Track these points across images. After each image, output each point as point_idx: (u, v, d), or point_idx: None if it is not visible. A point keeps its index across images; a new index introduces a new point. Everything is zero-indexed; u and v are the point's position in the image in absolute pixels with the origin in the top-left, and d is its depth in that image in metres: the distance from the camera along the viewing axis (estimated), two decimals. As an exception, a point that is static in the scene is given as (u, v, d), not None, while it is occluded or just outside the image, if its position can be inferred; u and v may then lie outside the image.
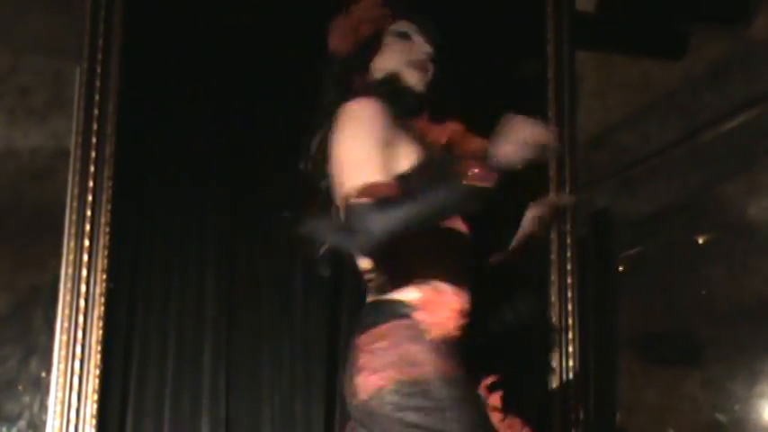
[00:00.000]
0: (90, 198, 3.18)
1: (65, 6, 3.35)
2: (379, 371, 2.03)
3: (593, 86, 3.96)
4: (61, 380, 3.10)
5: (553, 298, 3.55)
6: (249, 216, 3.30)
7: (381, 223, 1.96)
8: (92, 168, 3.20)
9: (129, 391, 3.17)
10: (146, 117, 3.30)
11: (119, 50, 3.29)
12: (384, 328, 2.07)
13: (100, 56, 3.27)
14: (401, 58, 2.30)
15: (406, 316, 2.07)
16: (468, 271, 2.18)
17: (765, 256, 3.89)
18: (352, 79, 2.28)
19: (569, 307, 3.54)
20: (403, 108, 2.23)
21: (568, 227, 3.63)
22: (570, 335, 3.56)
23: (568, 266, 3.58)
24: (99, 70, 3.26)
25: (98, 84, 3.25)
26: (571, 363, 3.53)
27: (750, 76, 3.88)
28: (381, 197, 1.98)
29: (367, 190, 2.00)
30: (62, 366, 3.11)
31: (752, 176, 3.92)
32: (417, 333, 2.05)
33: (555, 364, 3.53)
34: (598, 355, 3.76)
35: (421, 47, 2.32)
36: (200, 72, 3.33)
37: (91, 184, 3.19)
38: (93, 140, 3.22)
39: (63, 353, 3.12)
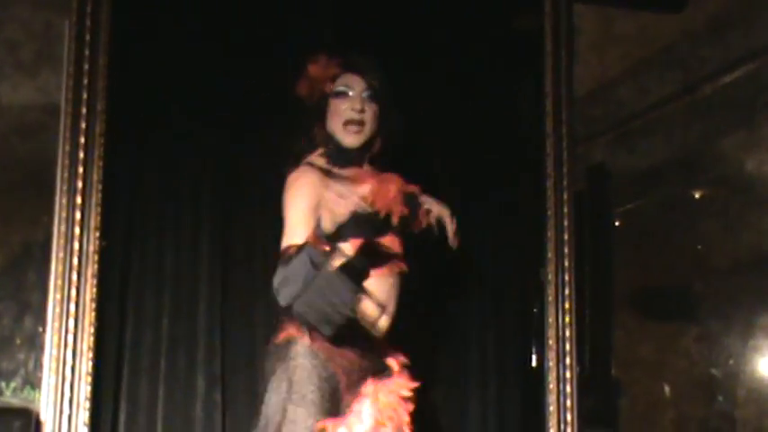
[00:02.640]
0: (81, 154, 3.15)
1: (51, -42, 3.28)
2: None
3: (591, 40, 3.91)
4: (56, 337, 3.09)
5: (550, 254, 3.54)
6: (245, 171, 3.27)
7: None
8: (83, 124, 3.15)
9: (124, 348, 3.16)
10: (137, 71, 3.25)
11: (108, 2, 3.22)
12: None
13: (89, 8, 3.21)
14: (337, 119, 2.77)
15: None
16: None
17: (762, 210, 3.88)
18: (314, 129, 2.80)
19: (566, 263, 3.53)
20: (341, 163, 2.74)
21: (565, 182, 3.61)
22: (567, 291, 3.55)
23: (565, 222, 3.56)
24: (89, 23, 3.20)
25: (88, 37, 3.19)
26: (567, 318, 3.53)
27: (749, 30, 3.83)
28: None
29: (285, 251, 2.56)
30: (56, 324, 3.10)
31: (750, 131, 3.89)
32: None
33: (551, 319, 3.53)
34: (594, 311, 3.76)
35: (354, 104, 2.74)
36: (192, 22, 3.28)
37: (82, 140, 3.15)
38: (84, 95, 3.17)
39: (57, 310, 3.10)
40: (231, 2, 3.30)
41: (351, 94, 2.78)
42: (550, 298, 3.55)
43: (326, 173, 2.72)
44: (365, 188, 2.73)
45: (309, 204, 2.65)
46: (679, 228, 4.14)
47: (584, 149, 4.02)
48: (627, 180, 4.24)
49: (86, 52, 3.18)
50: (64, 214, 3.13)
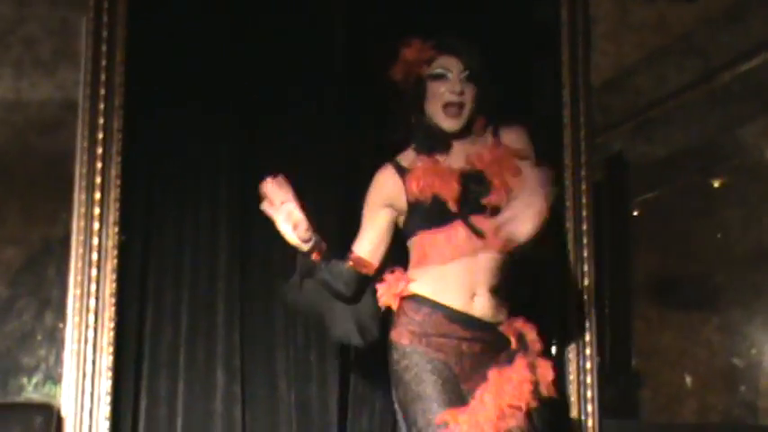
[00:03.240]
0: (100, 150, 3.17)
1: (68, -46, 3.30)
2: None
3: (608, 29, 3.88)
4: (76, 333, 3.12)
5: (569, 245, 3.52)
6: (263, 168, 3.25)
7: None
8: (101, 120, 3.18)
9: (143, 342, 3.18)
10: (154, 66, 3.26)
11: (125, -2, 3.23)
12: None
13: (106, 4, 3.23)
14: (436, 102, 2.72)
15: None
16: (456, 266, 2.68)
17: (782, 199, 3.85)
18: (411, 116, 2.76)
19: (585, 253, 3.52)
20: (435, 150, 2.72)
21: (583, 172, 3.59)
22: (586, 281, 3.54)
23: (584, 213, 3.54)
24: (106, 19, 3.22)
25: (105, 33, 3.21)
26: (587, 309, 3.51)
27: (768, 16, 3.79)
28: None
29: (352, 258, 2.73)
30: (77, 319, 3.12)
31: (770, 119, 3.86)
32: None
33: (572, 308, 3.52)
34: (614, 301, 3.74)
35: (453, 86, 2.69)
36: (209, 17, 3.28)
37: (100, 135, 3.17)
38: (102, 92, 3.19)
39: (77, 306, 3.12)
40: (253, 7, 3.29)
41: (449, 76, 2.73)
42: (570, 289, 3.53)
43: (401, 170, 2.73)
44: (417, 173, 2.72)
45: (377, 205, 2.74)
46: (698, 217, 4.11)
47: (602, 139, 4.00)
48: (646, 169, 4.21)
49: (104, 48, 3.20)
50: (83, 210, 3.16)
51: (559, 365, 3.49)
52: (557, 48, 3.62)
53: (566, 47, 3.62)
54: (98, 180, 3.15)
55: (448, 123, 2.72)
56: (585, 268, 3.53)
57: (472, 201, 2.68)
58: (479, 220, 2.66)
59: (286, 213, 2.61)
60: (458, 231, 2.66)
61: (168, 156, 3.24)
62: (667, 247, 4.12)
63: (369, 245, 2.76)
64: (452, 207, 2.66)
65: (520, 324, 2.77)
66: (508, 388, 2.59)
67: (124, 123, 3.18)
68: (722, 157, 4.01)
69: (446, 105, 2.71)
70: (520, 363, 2.65)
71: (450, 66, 2.73)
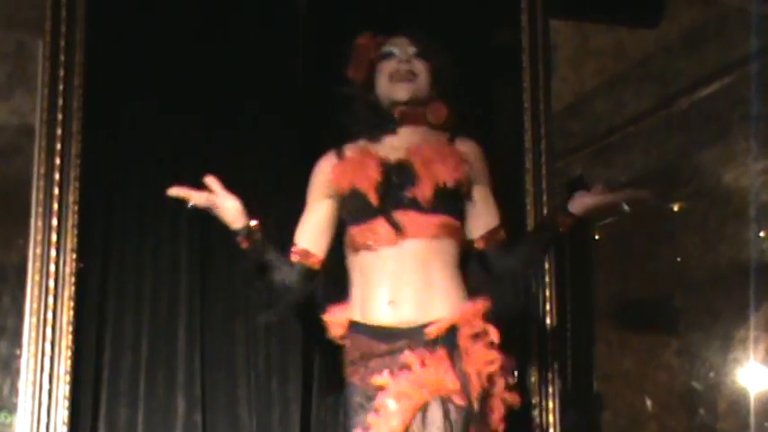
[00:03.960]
0: (57, 176, 3.11)
1: (25, -22, 3.25)
2: None
3: (568, 55, 3.93)
4: (32, 362, 3.05)
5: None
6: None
7: None
8: (58, 145, 3.13)
9: (102, 371, 3.13)
10: (113, 91, 3.22)
11: (83, 22, 3.20)
12: None
13: (63, 28, 3.18)
14: (384, 79, 2.63)
15: None
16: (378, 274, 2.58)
17: (740, 223, 3.89)
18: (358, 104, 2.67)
19: (546, 278, 3.53)
20: (380, 130, 2.62)
21: (544, 197, 3.61)
22: (548, 306, 3.55)
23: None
24: (63, 43, 3.17)
25: (62, 57, 3.16)
26: (549, 335, 3.52)
27: (725, 43, 3.86)
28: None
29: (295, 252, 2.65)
30: (32, 348, 3.05)
31: (727, 144, 3.91)
32: None
33: (533, 334, 3.52)
34: (575, 325, 3.76)
35: (400, 60, 2.61)
36: (167, 41, 3.26)
37: (57, 161, 3.12)
38: (59, 116, 3.14)
39: (33, 334, 3.06)
40: (208, 22, 3.28)
41: (396, 52, 2.66)
42: (531, 314, 3.53)
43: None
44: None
45: (316, 194, 2.67)
46: (658, 241, 4.15)
47: (562, 164, 4.03)
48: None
49: (61, 73, 3.15)
50: (39, 236, 3.10)
51: (522, 390, 3.49)
52: (517, 73, 3.64)
53: (526, 72, 3.65)
54: (55, 206, 3.10)
55: (397, 91, 2.62)
56: (547, 294, 3.54)
57: (395, 194, 2.56)
58: (403, 215, 2.53)
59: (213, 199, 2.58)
60: (378, 227, 2.55)
61: (127, 181, 3.20)
62: (628, 270, 4.15)
63: (310, 235, 2.67)
64: (372, 200, 2.54)
65: (467, 315, 2.55)
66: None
67: (82, 149, 3.13)
68: (681, 182, 4.06)
69: (393, 75, 2.63)
70: (440, 353, 2.48)
71: (399, 44, 2.68)
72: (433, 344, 2.49)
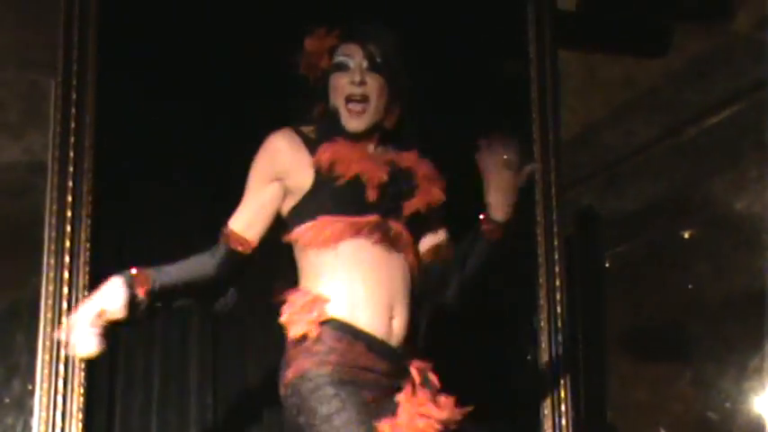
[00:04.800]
0: (69, 213, 3.12)
1: (38, 18, 3.29)
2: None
3: (576, 85, 3.95)
4: (45, 399, 3.05)
5: (542, 301, 3.52)
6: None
7: None
8: (70, 183, 3.14)
9: (114, 408, 3.12)
10: (124, 128, 3.24)
11: (94, 61, 3.23)
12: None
13: (75, 67, 3.21)
14: (338, 96, 2.40)
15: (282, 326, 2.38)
16: (368, 278, 2.31)
17: (752, 251, 3.88)
18: (312, 110, 2.44)
19: (558, 309, 3.52)
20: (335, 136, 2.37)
21: (555, 228, 3.61)
22: (560, 337, 3.54)
23: (556, 269, 3.55)
24: (74, 82, 3.20)
25: (74, 96, 3.19)
26: (561, 366, 3.51)
27: (733, 72, 3.86)
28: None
29: (225, 234, 2.42)
30: (45, 385, 3.06)
31: (738, 172, 3.91)
32: (291, 339, 2.33)
33: (544, 366, 3.51)
34: (587, 356, 3.75)
35: (353, 76, 2.37)
36: (178, 81, 3.28)
37: (69, 198, 3.13)
38: (71, 154, 3.16)
39: (46, 372, 3.06)
40: (219, 61, 3.30)
41: (351, 64, 2.39)
42: (543, 345, 3.52)
43: (307, 139, 2.38)
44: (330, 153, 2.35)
45: (265, 175, 2.39)
46: (670, 270, 4.14)
47: (572, 194, 4.03)
48: (616, 223, 4.25)
49: (73, 111, 3.18)
50: (52, 274, 3.11)
51: (535, 422, 3.48)
52: (526, 105, 3.66)
53: (535, 104, 3.66)
54: (67, 244, 3.11)
55: (352, 124, 2.38)
56: (558, 324, 3.53)
57: (390, 199, 2.36)
58: (393, 223, 2.34)
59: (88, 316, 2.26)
60: (373, 224, 2.31)
61: (138, 219, 3.22)
62: (640, 299, 4.14)
63: (246, 219, 2.40)
64: (371, 195, 2.31)
65: (420, 363, 2.38)
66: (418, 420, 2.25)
67: (94, 186, 3.15)
68: (691, 211, 4.06)
69: (348, 99, 2.37)
70: (423, 396, 2.31)
71: (353, 53, 2.39)
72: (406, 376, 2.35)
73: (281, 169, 2.38)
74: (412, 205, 2.38)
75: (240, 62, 3.31)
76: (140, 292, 2.32)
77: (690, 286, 4.07)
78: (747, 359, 3.78)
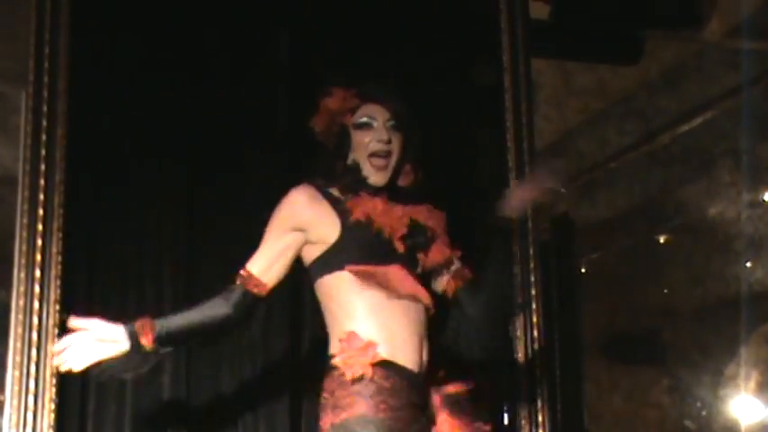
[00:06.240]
0: (40, 227, 3.08)
1: (7, 29, 3.25)
2: (322, 417, 2.47)
3: (550, 94, 3.95)
4: (14, 416, 3.00)
5: (517, 309, 3.51)
6: (206, 242, 3.22)
7: None
8: (41, 196, 3.09)
9: (86, 425, 3.08)
10: (95, 142, 3.20)
11: (65, 72, 3.18)
12: (326, 382, 2.50)
13: (46, 79, 3.16)
14: (362, 152, 2.60)
15: (333, 366, 2.49)
16: (398, 318, 2.52)
17: (726, 257, 3.91)
18: (334, 164, 2.62)
19: (534, 319, 3.51)
20: (361, 191, 2.58)
21: (530, 237, 3.60)
22: (536, 344, 3.53)
23: (532, 278, 3.54)
24: (45, 94, 3.15)
25: (45, 108, 3.14)
26: (537, 374, 3.50)
27: (705, 79, 3.90)
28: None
29: (243, 276, 2.55)
30: (15, 402, 3.01)
31: (711, 178, 3.94)
32: (342, 379, 2.44)
33: (521, 374, 3.50)
34: (564, 364, 3.74)
35: (380, 134, 2.57)
36: (149, 93, 3.25)
37: (41, 212, 3.08)
38: (42, 167, 3.11)
39: (16, 388, 3.01)
40: (192, 73, 3.28)
41: (374, 125, 2.59)
42: (520, 353, 3.51)
43: (327, 194, 2.59)
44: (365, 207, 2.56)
45: (285, 225, 2.55)
46: (644, 276, 4.16)
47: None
48: (591, 230, 4.26)
49: (44, 123, 3.13)
50: (22, 288, 3.06)
51: (512, 430, 3.47)
52: (500, 114, 3.65)
53: (509, 112, 3.65)
54: (38, 257, 3.06)
55: (375, 177, 2.59)
56: (535, 333, 3.52)
57: (410, 250, 2.56)
58: (413, 272, 2.55)
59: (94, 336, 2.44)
60: (398, 272, 2.52)
61: (111, 232, 3.18)
62: (615, 306, 4.16)
63: (264, 264, 2.55)
64: (397, 246, 2.53)
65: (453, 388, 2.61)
66: None
67: (65, 199, 3.11)
68: (665, 217, 4.08)
69: (373, 155, 2.58)
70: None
71: (376, 114, 2.60)
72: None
73: (301, 221, 2.55)
74: (430, 260, 2.61)
75: (210, 78, 3.31)
76: (145, 342, 2.46)
77: (665, 291, 4.09)
78: (723, 365, 3.80)
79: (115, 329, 2.46)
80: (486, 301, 2.69)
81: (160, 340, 2.46)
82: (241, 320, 2.57)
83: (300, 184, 2.59)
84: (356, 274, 2.50)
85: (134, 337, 2.44)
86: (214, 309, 2.52)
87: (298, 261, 2.61)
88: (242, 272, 2.55)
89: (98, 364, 2.46)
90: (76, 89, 3.18)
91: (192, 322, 2.51)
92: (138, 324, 2.47)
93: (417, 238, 2.58)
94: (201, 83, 3.28)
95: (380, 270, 2.50)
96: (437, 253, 2.60)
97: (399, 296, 2.50)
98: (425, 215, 2.65)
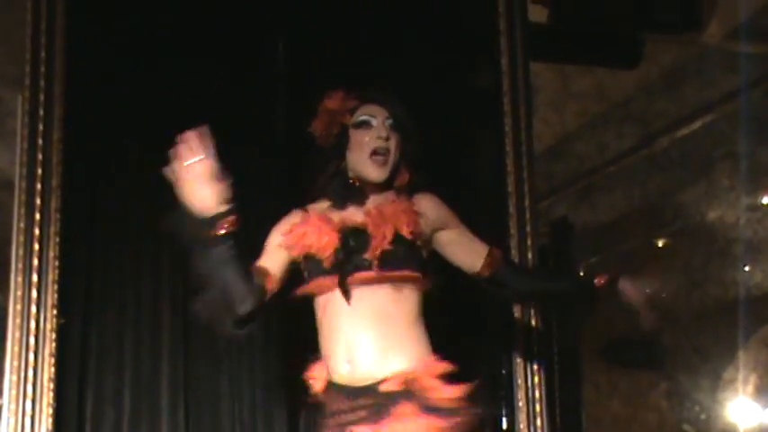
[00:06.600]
0: (37, 231, 3.07)
1: (3, 33, 3.24)
2: None
3: (549, 97, 3.95)
4: (12, 420, 3.00)
5: (516, 314, 3.51)
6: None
7: None
8: (38, 201, 3.09)
9: (84, 428, 3.08)
10: (92, 146, 3.20)
11: (61, 76, 3.18)
12: None
13: (42, 83, 3.15)
14: (361, 151, 2.62)
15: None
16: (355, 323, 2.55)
17: (725, 261, 3.90)
18: (332, 165, 2.67)
19: (533, 323, 3.50)
20: (349, 202, 2.64)
21: (529, 241, 3.60)
22: (535, 349, 3.52)
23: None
24: (42, 98, 3.14)
25: (41, 112, 3.13)
26: (536, 379, 3.49)
27: (704, 82, 3.89)
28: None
29: (255, 268, 2.55)
30: (13, 406, 3.00)
31: (709, 182, 3.93)
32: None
33: (520, 381, 3.49)
34: (563, 369, 3.74)
35: (379, 132, 2.61)
36: (145, 96, 3.24)
37: (38, 216, 3.08)
38: (39, 171, 3.10)
39: (14, 392, 3.01)
40: (188, 76, 3.27)
41: (374, 123, 2.63)
42: (519, 358, 3.51)
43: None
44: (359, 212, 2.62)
45: (275, 243, 2.60)
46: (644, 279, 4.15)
47: (546, 205, 4.04)
48: (590, 234, 4.25)
49: (40, 127, 3.12)
50: (20, 293, 3.06)
51: (511, 433, 3.46)
52: (499, 117, 3.64)
53: (508, 116, 3.64)
54: (35, 262, 3.06)
55: (376, 173, 2.62)
56: (534, 336, 3.52)
57: (354, 257, 2.56)
58: (363, 276, 2.54)
59: (206, 169, 2.38)
60: (332, 286, 2.55)
61: (108, 236, 3.17)
62: (614, 309, 4.14)
63: (266, 263, 2.59)
64: (326, 264, 2.55)
65: (421, 371, 2.54)
66: None
67: (62, 203, 3.10)
68: (664, 221, 4.08)
69: (373, 153, 2.62)
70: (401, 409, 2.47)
71: (375, 113, 2.65)
72: (392, 399, 2.48)
73: (281, 241, 2.61)
74: (371, 256, 2.55)
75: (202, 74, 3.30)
76: (215, 231, 2.39)
77: (663, 295, 4.08)
78: (721, 369, 3.80)
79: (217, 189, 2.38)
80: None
81: (229, 236, 2.39)
82: (251, 313, 2.54)
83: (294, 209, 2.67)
84: (302, 293, 2.59)
85: (213, 222, 2.38)
86: (243, 288, 2.46)
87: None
88: (252, 265, 2.55)
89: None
90: (73, 93, 3.18)
91: (229, 278, 2.44)
92: (229, 219, 2.39)
93: (352, 245, 2.57)
94: (198, 87, 3.27)
95: (318, 283, 2.57)
96: (373, 251, 2.55)
97: (336, 309, 2.54)
98: (373, 213, 2.61)
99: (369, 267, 2.55)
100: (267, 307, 2.60)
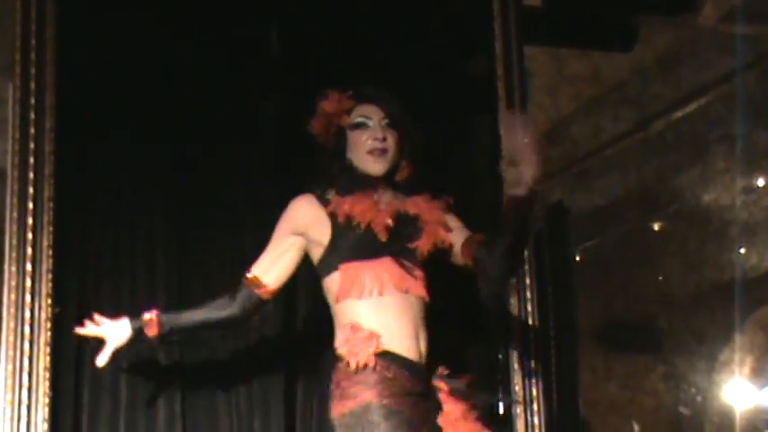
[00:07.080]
0: (30, 221, 3.05)
1: (-7, 22, 3.22)
2: (330, 408, 2.65)
3: (544, 82, 3.94)
4: (8, 410, 2.98)
5: (512, 299, 3.50)
6: (198, 232, 3.21)
7: None
8: (31, 190, 3.06)
9: (80, 419, 3.06)
10: (85, 133, 3.18)
11: (53, 64, 3.14)
12: (332, 373, 2.66)
13: (33, 71, 3.12)
14: (359, 151, 2.72)
15: (339, 357, 2.64)
16: (393, 310, 2.64)
17: (721, 243, 3.90)
18: (332, 165, 2.76)
19: (529, 307, 3.50)
20: (359, 190, 2.70)
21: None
22: (531, 335, 3.52)
23: (526, 266, 3.53)
24: (33, 86, 3.11)
25: (33, 100, 3.11)
26: (533, 363, 3.49)
27: (699, 65, 3.88)
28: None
29: (248, 279, 2.74)
30: (9, 396, 2.99)
31: (705, 164, 3.93)
32: (347, 369, 2.59)
33: (516, 363, 3.49)
34: (559, 353, 3.73)
35: (375, 133, 2.69)
36: (138, 83, 3.22)
37: (31, 205, 3.06)
38: (31, 160, 3.08)
39: (9, 382, 2.99)
40: (181, 65, 3.25)
41: (370, 124, 2.73)
42: (515, 342, 3.51)
43: (323, 200, 2.72)
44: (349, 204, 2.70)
45: (285, 230, 2.72)
46: (639, 263, 4.15)
47: (541, 189, 4.02)
48: (585, 218, 4.25)
49: (32, 116, 3.10)
50: (14, 282, 3.04)
51: (508, 422, 3.46)
52: (493, 102, 3.63)
53: (502, 101, 3.62)
54: (29, 251, 3.04)
55: (374, 167, 2.72)
56: (530, 322, 3.52)
57: (400, 242, 2.68)
58: (405, 264, 2.67)
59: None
60: (389, 266, 2.65)
61: (102, 225, 3.16)
62: (610, 293, 4.15)
63: (266, 266, 2.75)
64: (380, 235, 2.65)
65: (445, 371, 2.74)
66: None
67: (55, 192, 3.08)
68: (660, 205, 4.07)
69: (370, 152, 2.72)
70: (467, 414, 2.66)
71: (371, 113, 2.74)
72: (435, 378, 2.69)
73: (298, 225, 2.72)
74: (421, 248, 2.69)
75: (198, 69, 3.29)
76: (150, 333, 2.77)
77: (660, 278, 4.08)
78: (717, 351, 3.80)
79: (122, 324, 2.77)
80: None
81: (165, 335, 2.75)
82: (246, 320, 2.81)
83: (300, 194, 2.75)
84: (346, 271, 2.63)
85: (139, 331, 2.75)
86: (220, 309, 2.75)
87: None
88: (247, 275, 2.73)
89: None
90: (64, 81, 3.15)
91: (197, 321, 2.76)
92: (145, 318, 2.75)
93: (406, 228, 2.70)
94: (192, 77, 3.25)
95: (369, 265, 2.63)
96: (426, 241, 2.69)
97: (390, 290, 2.62)
98: (420, 205, 2.75)
99: (412, 255, 2.67)
100: (269, 302, 2.79)
